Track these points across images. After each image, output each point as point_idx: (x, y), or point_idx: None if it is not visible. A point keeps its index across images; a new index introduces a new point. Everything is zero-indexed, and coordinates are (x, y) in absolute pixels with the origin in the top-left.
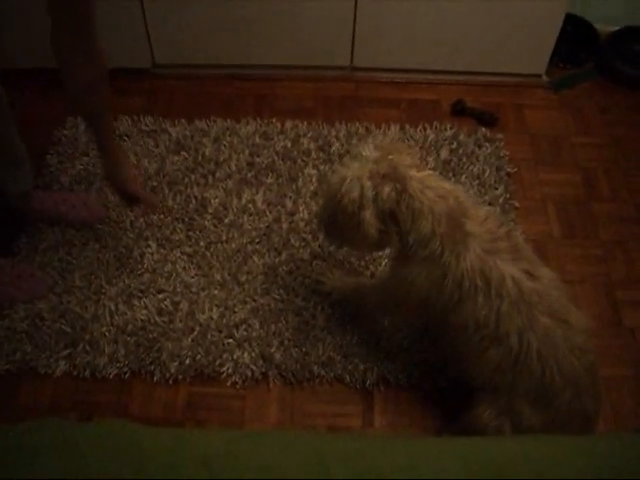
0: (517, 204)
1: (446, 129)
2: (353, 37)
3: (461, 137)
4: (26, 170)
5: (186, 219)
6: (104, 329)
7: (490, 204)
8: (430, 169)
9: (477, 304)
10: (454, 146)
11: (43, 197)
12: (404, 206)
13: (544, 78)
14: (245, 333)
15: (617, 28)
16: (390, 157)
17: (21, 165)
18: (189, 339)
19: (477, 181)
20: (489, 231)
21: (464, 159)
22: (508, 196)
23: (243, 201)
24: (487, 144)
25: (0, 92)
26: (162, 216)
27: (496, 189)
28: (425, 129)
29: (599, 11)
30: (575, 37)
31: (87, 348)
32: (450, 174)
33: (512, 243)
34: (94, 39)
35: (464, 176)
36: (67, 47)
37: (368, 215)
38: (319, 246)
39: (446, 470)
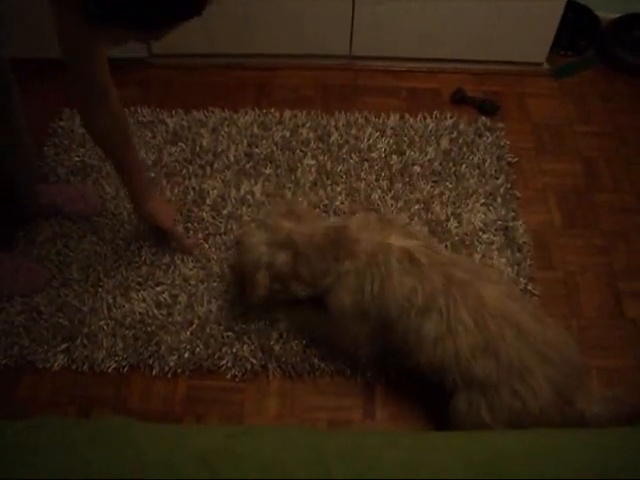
0: (518, 194)
1: (446, 118)
2: (352, 26)
3: (461, 126)
4: (34, 162)
5: (184, 211)
6: (102, 322)
7: (491, 194)
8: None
9: (397, 283)
10: (454, 135)
11: (40, 189)
12: (301, 265)
13: (545, 66)
14: (244, 326)
15: (618, 15)
16: (287, 226)
17: (31, 157)
18: (188, 332)
19: (477, 171)
20: (371, 230)
21: (464, 148)
22: (509, 186)
23: (242, 192)
24: (488, 133)
25: (10, 82)
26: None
27: (497, 179)
28: (425, 118)
29: None
30: (576, 24)
31: (85, 342)
32: (450, 164)
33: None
34: (109, 89)
35: (464, 166)
36: (82, 99)
37: (261, 277)
38: None
39: (447, 465)
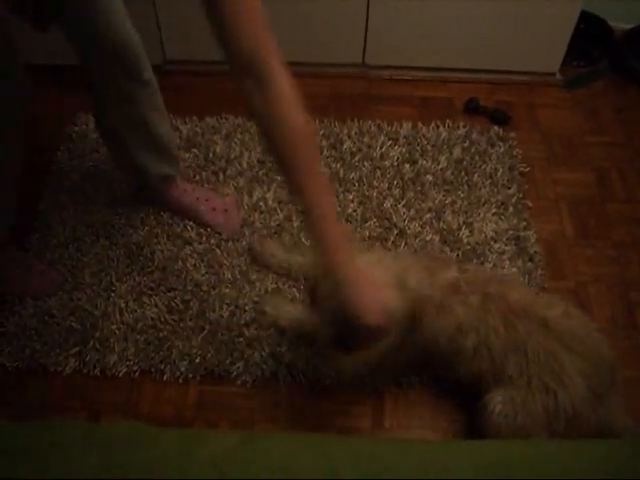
0: (530, 204)
1: (459, 127)
2: (365, 34)
3: (474, 135)
4: (169, 155)
5: None
6: (114, 327)
7: (503, 203)
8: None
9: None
10: (466, 144)
11: (186, 189)
12: None
13: (557, 76)
14: (255, 332)
15: (632, 26)
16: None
17: (163, 149)
18: (199, 338)
19: (490, 180)
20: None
21: (477, 158)
22: (521, 195)
23: (254, 199)
24: (500, 143)
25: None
26: (171, 213)
27: (509, 188)
28: (437, 127)
29: (613, 8)
30: (589, 35)
31: (97, 346)
32: (462, 173)
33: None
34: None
35: (476, 175)
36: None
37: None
38: None
39: (458, 473)
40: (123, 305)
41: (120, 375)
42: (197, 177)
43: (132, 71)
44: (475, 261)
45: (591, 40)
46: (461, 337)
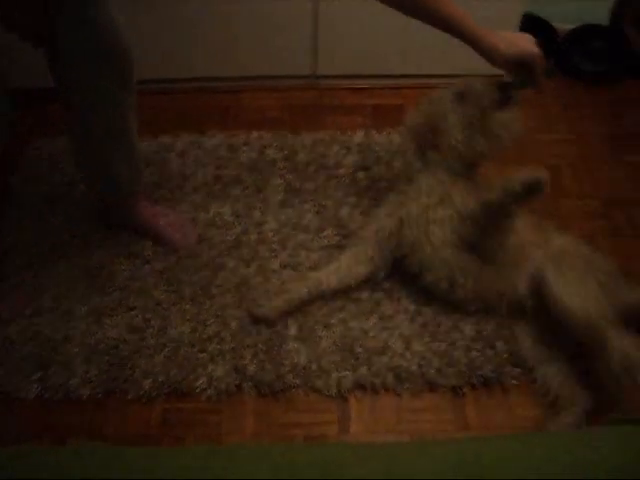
0: None
1: None
2: (315, 46)
3: None
4: (139, 170)
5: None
6: (76, 350)
7: None
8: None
9: None
10: None
11: (146, 206)
12: None
13: (505, 78)
14: (218, 346)
15: (574, 26)
16: None
17: (136, 162)
18: (162, 355)
19: None
20: None
21: None
22: None
23: (210, 214)
24: None
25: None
26: (130, 233)
27: None
28: (390, 134)
29: (556, 10)
30: (534, 36)
31: (59, 370)
32: None
33: None
34: None
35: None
36: None
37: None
38: (288, 256)
39: (424, 474)
40: (84, 327)
41: (84, 398)
42: (154, 195)
43: (125, 76)
44: None
45: (537, 41)
46: None
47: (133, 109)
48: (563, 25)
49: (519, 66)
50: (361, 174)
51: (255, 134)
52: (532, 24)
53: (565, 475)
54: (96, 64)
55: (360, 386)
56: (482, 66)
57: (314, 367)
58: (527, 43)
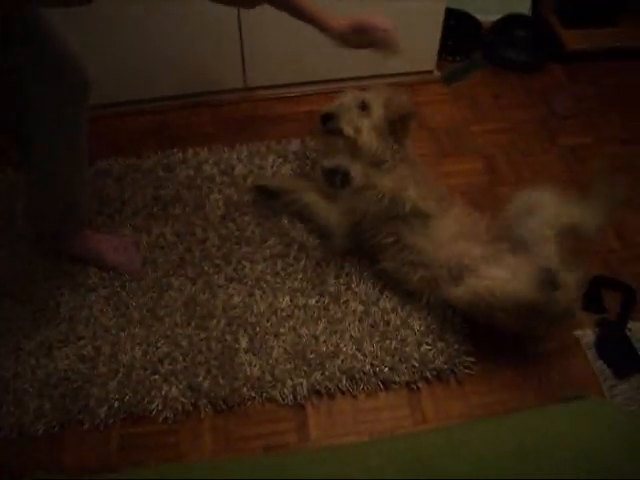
0: None
1: None
2: (243, 59)
3: None
4: (88, 197)
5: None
6: (26, 385)
7: None
8: None
9: None
10: None
11: (87, 233)
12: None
13: (436, 73)
14: (170, 367)
15: (497, 17)
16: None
17: (90, 188)
18: (115, 382)
19: None
20: None
21: None
22: None
23: (153, 236)
24: None
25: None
26: (73, 262)
27: None
28: None
29: (477, 3)
30: (460, 30)
31: (11, 408)
32: None
33: None
34: None
35: None
36: None
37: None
38: (233, 270)
39: (376, 471)
40: (34, 362)
41: (39, 433)
42: (93, 223)
43: (86, 95)
44: None
45: (463, 34)
46: None
47: (86, 129)
48: (486, 17)
49: (358, 33)
50: None
51: (191, 151)
52: (456, 18)
53: (531, 453)
54: (55, 83)
55: (315, 392)
56: (407, 65)
57: (268, 377)
58: (368, 17)
